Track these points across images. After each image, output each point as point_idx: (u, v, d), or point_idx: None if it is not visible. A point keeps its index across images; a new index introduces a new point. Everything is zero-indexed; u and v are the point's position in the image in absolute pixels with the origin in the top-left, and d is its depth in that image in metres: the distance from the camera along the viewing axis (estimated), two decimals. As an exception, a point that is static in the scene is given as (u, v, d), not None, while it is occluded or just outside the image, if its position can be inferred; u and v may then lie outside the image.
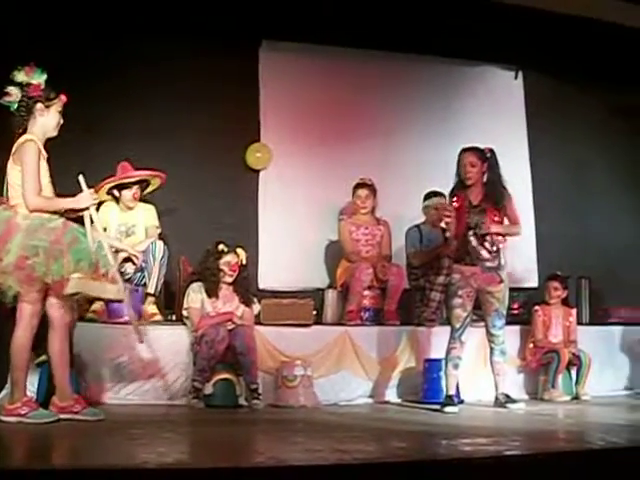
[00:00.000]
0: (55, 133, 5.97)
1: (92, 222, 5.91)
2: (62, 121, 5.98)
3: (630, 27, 10.00)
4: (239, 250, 7.67)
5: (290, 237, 9.21)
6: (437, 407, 7.13)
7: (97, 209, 6.24)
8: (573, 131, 10.47)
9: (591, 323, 9.28)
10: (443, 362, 7.29)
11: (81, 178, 5.96)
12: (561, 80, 10.30)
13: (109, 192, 7.99)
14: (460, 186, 7.30)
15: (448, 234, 7.27)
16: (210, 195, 8.98)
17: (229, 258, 7.60)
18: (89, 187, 6.01)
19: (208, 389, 7.28)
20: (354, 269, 8.40)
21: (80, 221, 5.91)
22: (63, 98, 5.98)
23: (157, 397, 7.35)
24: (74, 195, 5.90)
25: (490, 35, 9.69)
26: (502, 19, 9.61)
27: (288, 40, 9.44)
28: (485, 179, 7.29)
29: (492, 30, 9.65)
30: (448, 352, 7.21)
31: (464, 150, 7.31)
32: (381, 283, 8.46)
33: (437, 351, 7.73)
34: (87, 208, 5.93)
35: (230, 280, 7.60)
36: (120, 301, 6.27)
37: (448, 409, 7.02)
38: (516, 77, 10.48)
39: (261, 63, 9.48)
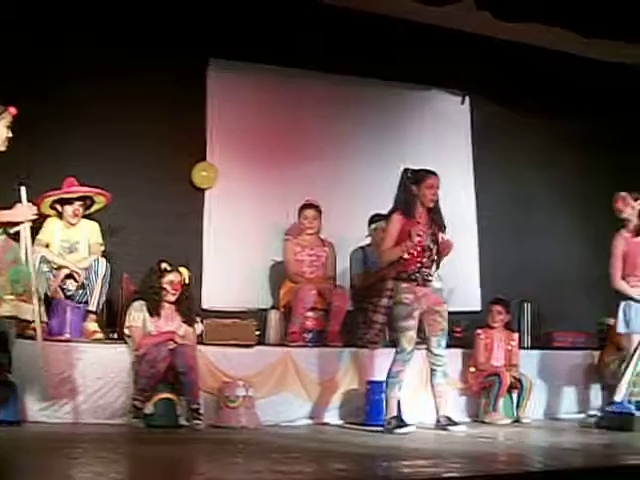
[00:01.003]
0: (3, 148, 5.91)
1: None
2: (10, 135, 5.93)
3: (576, 56, 10.17)
4: (182, 269, 7.63)
5: (234, 257, 9.15)
6: (383, 430, 7.14)
7: (41, 224, 6.18)
8: (518, 157, 10.56)
9: (533, 347, 9.33)
10: (386, 384, 7.28)
11: (22, 190, 5.90)
12: (507, 106, 10.39)
13: (53, 207, 7.91)
14: (410, 207, 7.30)
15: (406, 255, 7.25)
16: (155, 213, 8.89)
17: (172, 277, 7.56)
18: (30, 202, 5.95)
19: (148, 409, 7.20)
20: (297, 290, 8.39)
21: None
22: (12, 111, 5.92)
23: (97, 416, 7.26)
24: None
25: (438, 60, 9.80)
26: (450, 45, 9.73)
27: (236, 59, 9.41)
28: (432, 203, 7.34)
29: (440, 55, 9.76)
30: (394, 374, 7.20)
31: (429, 173, 7.35)
32: (324, 304, 8.46)
33: (379, 373, 7.74)
34: (23, 222, 5.87)
35: (173, 299, 7.55)
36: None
37: (403, 430, 7.03)
38: (463, 102, 10.55)
39: (209, 82, 9.42)
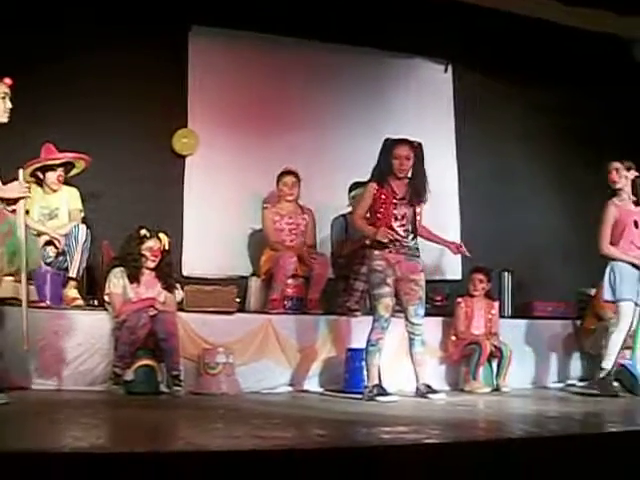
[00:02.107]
0: (4, 119, 5.89)
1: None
2: (10, 106, 5.90)
3: (559, 25, 10.14)
4: (162, 235, 7.60)
5: (215, 224, 9.13)
6: (361, 396, 7.17)
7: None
8: (500, 126, 10.55)
9: (513, 316, 9.37)
10: (365, 352, 7.29)
11: (20, 172, 5.93)
12: (490, 75, 10.36)
13: (32, 174, 7.85)
14: (385, 176, 7.31)
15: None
16: (135, 180, 8.86)
17: (151, 243, 7.53)
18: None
19: (129, 375, 7.21)
20: (278, 258, 8.37)
21: None
22: (7, 82, 5.86)
23: (78, 382, 7.27)
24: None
25: (421, 28, 9.77)
26: (434, 12, 9.68)
27: (218, 26, 9.35)
28: (411, 173, 7.31)
29: (423, 23, 9.72)
30: (373, 342, 7.20)
31: (398, 142, 7.31)
32: (305, 272, 8.45)
33: (359, 340, 7.73)
34: (19, 199, 5.88)
35: (152, 265, 7.53)
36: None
37: (385, 398, 7.04)
38: (446, 70, 10.51)
39: (190, 49, 9.36)
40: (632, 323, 7.80)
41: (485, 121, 10.46)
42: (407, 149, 7.27)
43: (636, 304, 7.81)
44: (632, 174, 7.88)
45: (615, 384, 7.75)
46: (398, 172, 7.26)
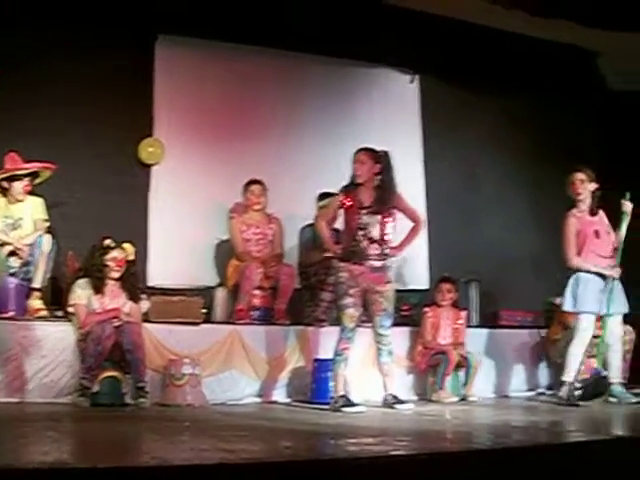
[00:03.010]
0: None
1: None
2: None
3: (525, 36, 10.20)
4: (126, 245, 7.55)
5: (181, 234, 9.06)
6: (328, 407, 7.15)
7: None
8: (467, 136, 10.58)
9: (480, 326, 9.38)
10: (332, 362, 7.28)
11: None
12: (456, 86, 10.40)
13: (-3, 184, 7.79)
14: (351, 186, 7.33)
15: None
16: (100, 189, 8.79)
17: (115, 254, 7.47)
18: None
19: (94, 387, 7.13)
20: (244, 268, 8.34)
21: None
22: None
23: (43, 395, 7.18)
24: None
25: (388, 39, 9.79)
26: (400, 23, 9.70)
27: (185, 35, 9.31)
28: (378, 181, 7.31)
29: (390, 34, 9.75)
30: (340, 352, 7.22)
31: (357, 149, 7.35)
32: (272, 282, 8.42)
33: (326, 351, 7.74)
34: None
35: (117, 276, 7.47)
36: None
37: (351, 409, 7.03)
38: (412, 81, 10.52)
39: (157, 58, 9.29)
40: (590, 335, 7.82)
41: (452, 131, 10.49)
42: (361, 154, 7.32)
43: (601, 315, 7.84)
44: (593, 186, 7.92)
45: (577, 393, 7.75)
46: (354, 177, 7.29)
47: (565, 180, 7.97)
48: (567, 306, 7.88)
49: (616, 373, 7.97)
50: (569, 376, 7.74)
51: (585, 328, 7.77)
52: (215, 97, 9.49)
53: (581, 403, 7.62)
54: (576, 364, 7.74)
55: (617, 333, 7.97)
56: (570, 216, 7.90)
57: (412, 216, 7.50)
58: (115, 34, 8.80)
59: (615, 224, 7.99)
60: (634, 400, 7.81)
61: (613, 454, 4.90)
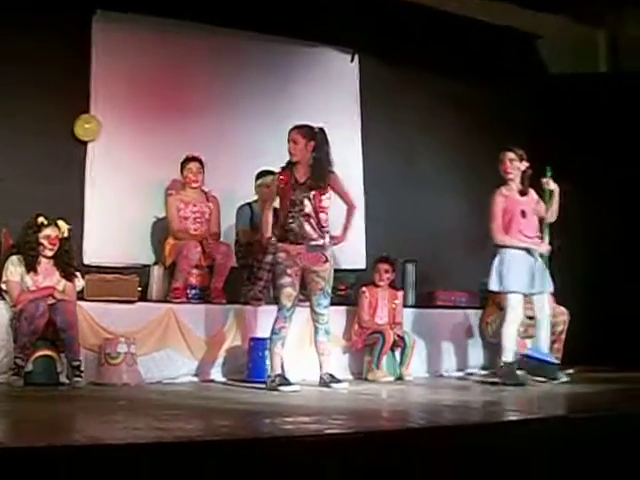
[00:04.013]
0: None
1: None
2: None
3: (466, 18, 10.26)
4: (60, 223, 7.44)
5: (117, 211, 8.95)
6: (270, 387, 7.14)
7: None
8: (405, 115, 10.60)
9: (416, 306, 9.43)
10: (269, 341, 7.28)
11: None
12: (396, 66, 10.40)
13: None
14: (289, 165, 7.34)
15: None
16: (36, 166, 8.65)
17: (49, 231, 7.36)
18: None
19: (28, 366, 7.06)
20: (182, 247, 8.28)
21: None
22: None
23: (-27, 374, 7.09)
24: None
25: (328, 17, 9.77)
26: (341, 1, 9.68)
27: (123, 11, 9.18)
28: (312, 158, 7.30)
29: (330, 12, 9.71)
30: (277, 331, 7.23)
31: (291, 128, 7.36)
32: (209, 261, 8.38)
33: (263, 330, 7.74)
34: None
35: (50, 254, 7.37)
36: None
37: (287, 388, 7.03)
38: (352, 60, 10.50)
39: (94, 33, 9.14)
40: (521, 314, 7.87)
41: (391, 110, 10.51)
42: (294, 133, 7.32)
43: (527, 294, 7.88)
44: (524, 165, 7.96)
45: (519, 373, 7.81)
46: (290, 156, 7.31)
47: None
48: (493, 285, 7.92)
49: (544, 351, 7.99)
50: (506, 356, 7.79)
51: (514, 306, 7.80)
52: (153, 74, 9.38)
53: (518, 382, 7.67)
54: (511, 343, 7.78)
55: (545, 311, 7.95)
56: (498, 194, 7.91)
57: (346, 199, 7.51)
58: (52, 8, 8.64)
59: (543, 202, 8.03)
60: (564, 379, 7.85)
61: (544, 433, 4.96)
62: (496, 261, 7.84)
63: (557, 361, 8.27)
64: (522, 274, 7.80)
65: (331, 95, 10.27)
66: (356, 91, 10.50)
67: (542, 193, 8.03)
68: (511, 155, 7.92)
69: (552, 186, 8.00)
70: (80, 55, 9.01)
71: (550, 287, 7.99)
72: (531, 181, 8.01)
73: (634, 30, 10.13)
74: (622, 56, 11.30)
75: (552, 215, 8.04)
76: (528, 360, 7.90)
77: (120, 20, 9.23)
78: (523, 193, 7.95)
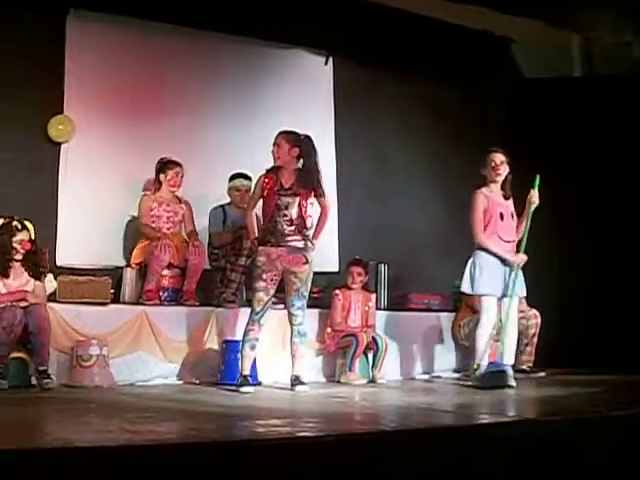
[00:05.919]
0: None
1: None
2: None
3: (438, 20, 10.29)
4: (27, 224, 7.43)
5: (90, 214, 8.88)
6: (234, 388, 7.15)
7: None
8: (379, 119, 10.62)
9: (389, 308, 9.44)
10: (241, 343, 7.29)
11: None
12: (370, 69, 10.42)
13: None
14: (273, 168, 7.39)
15: None
16: (8, 167, 8.57)
17: (22, 236, 7.35)
18: None
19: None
20: (153, 248, 8.26)
21: None
22: None
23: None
24: None
25: (302, 19, 9.77)
26: (315, 4, 9.70)
27: (97, 10, 9.13)
28: (300, 164, 7.36)
29: (304, 14, 9.72)
30: (246, 333, 7.29)
31: (278, 132, 7.42)
32: (181, 262, 8.36)
33: (236, 332, 7.75)
34: None
35: (21, 257, 7.36)
36: None
37: (244, 389, 7.09)
38: (326, 63, 10.50)
39: (68, 32, 9.08)
40: (494, 317, 7.85)
41: (365, 113, 10.52)
42: (278, 137, 7.40)
43: (499, 297, 7.86)
44: (508, 168, 7.95)
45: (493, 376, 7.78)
46: (273, 160, 7.38)
47: (483, 161, 7.92)
48: (465, 287, 7.91)
49: (509, 356, 7.91)
50: (479, 359, 7.79)
51: (486, 309, 7.79)
52: (126, 74, 9.33)
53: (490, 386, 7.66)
54: (483, 346, 7.78)
55: (512, 317, 7.86)
56: (479, 193, 7.86)
57: (320, 203, 7.53)
58: (25, 7, 8.57)
59: (521, 211, 7.99)
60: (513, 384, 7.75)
61: (515, 435, 4.98)
62: (469, 263, 7.84)
63: (525, 367, 8.33)
64: (495, 277, 7.79)
65: (305, 97, 10.28)
66: (330, 93, 10.50)
67: (525, 204, 7.96)
68: (502, 157, 7.91)
69: (536, 200, 7.92)
70: (54, 55, 8.94)
71: (522, 292, 7.99)
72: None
73: (608, 35, 10.17)
74: (596, 61, 11.38)
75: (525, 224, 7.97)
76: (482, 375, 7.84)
77: (94, 20, 9.17)
78: (506, 197, 7.95)
